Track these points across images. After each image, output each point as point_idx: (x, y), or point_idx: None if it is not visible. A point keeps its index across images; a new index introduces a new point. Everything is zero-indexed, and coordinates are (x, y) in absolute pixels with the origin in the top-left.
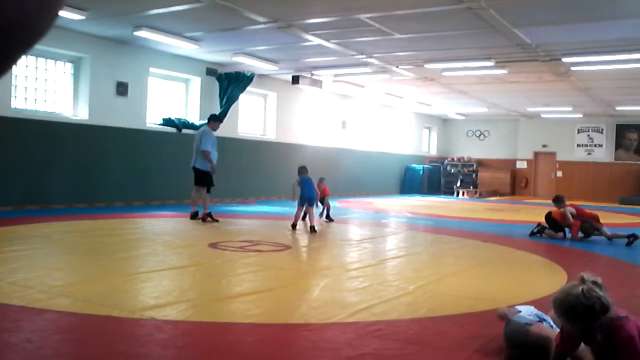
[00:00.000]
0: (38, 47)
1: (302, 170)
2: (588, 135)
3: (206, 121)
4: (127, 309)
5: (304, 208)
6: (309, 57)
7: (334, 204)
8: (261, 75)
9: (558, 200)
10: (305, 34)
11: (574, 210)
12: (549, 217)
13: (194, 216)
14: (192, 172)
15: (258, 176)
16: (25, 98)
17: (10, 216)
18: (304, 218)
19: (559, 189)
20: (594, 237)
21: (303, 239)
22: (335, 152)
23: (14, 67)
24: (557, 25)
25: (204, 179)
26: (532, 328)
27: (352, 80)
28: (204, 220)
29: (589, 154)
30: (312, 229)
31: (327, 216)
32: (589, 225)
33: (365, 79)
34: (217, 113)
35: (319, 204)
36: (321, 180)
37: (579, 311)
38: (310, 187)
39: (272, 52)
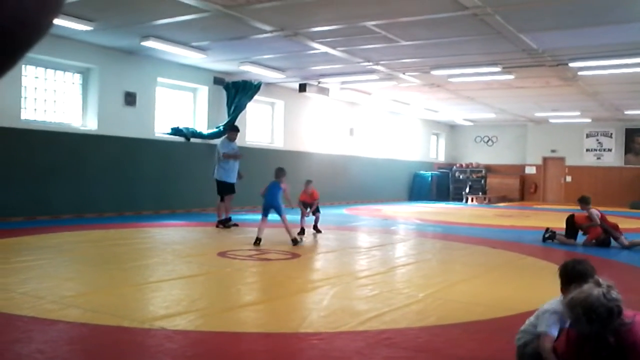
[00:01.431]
0: (47, 58)
1: (276, 173)
2: (597, 140)
3: (214, 130)
4: (137, 319)
5: (279, 217)
6: (316, 65)
7: (341, 211)
8: (268, 84)
9: (584, 201)
10: (312, 42)
11: (598, 214)
12: (570, 219)
13: (228, 221)
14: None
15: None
16: (35, 109)
17: (20, 227)
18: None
19: (568, 194)
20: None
21: (311, 247)
22: (343, 159)
23: (21, 73)
24: (563, 30)
25: (221, 189)
26: (527, 350)
27: (359, 87)
28: (217, 226)
29: (598, 158)
30: (295, 241)
31: (315, 226)
32: (605, 237)
33: (372, 86)
34: (229, 122)
35: (308, 210)
36: (308, 183)
37: (600, 312)
38: (272, 194)
39: (278, 60)
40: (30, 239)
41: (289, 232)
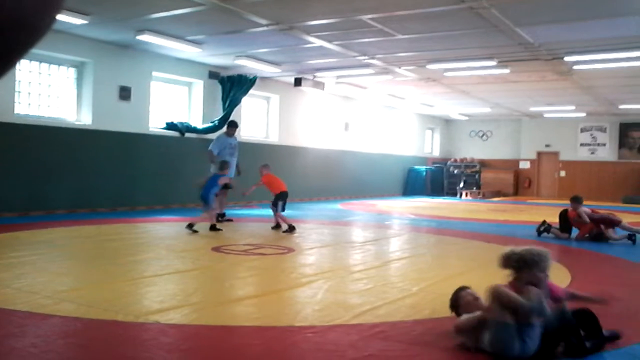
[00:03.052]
0: (41, 52)
1: (220, 164)
2: (591, 135)
3: (209, 124)
4: (131, 313)
5: (213, 207)
6: (311, 59)
7: (336, 205)
8: (263, 78)
9: (576, 201)
10: (307, 36)
11: (589, 211)
12: (564, 214)
13: (222, 217)
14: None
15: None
16: (29, 103)
17: (14, 222)
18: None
19: (562, 189)
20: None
21: (305, 242)
22: (338, 154)
23: (15, 68)
24: (559, 23)
25: None
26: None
27: (354, 81)
28: (218, 220)
29: (592, 153)
30: (212, 227)
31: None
32: (598, 232)
33: (368, 81)
34: (224, 117)
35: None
36: (261, 168)
37: (532, 258)
38: (207, 186)
39: (274, 54)
40: (24, 234)
41: (211, 219)
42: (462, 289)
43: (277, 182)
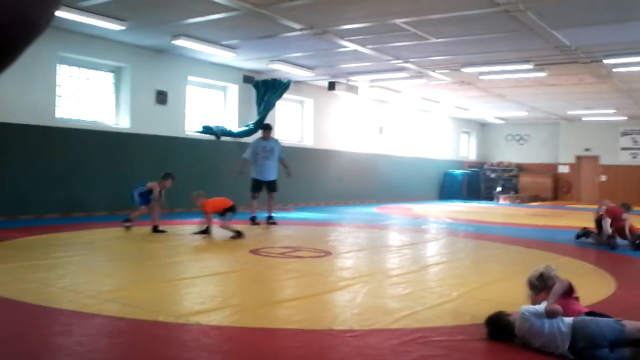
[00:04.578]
0: (80, 57)
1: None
2: (633, 139)
3: (244, 128)
4: (173, 314)
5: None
6: (345, 63)
7: (371, 209)
8: (297, 82)
9: (623, 207)
10: (341, 40)
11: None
12: (600, 219)
13: (269, 219)
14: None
15: (296, 183)
16: (69, 107)
17: (56, 223)
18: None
19: (603, 194)
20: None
21: (342, 245)
22: (373, 158)
23: (56, 73)
24: (598, 26)
25: (251, 186)
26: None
27: (388, 85)
28: (253, 223)
29: (634, 157)
30: (154, 228)
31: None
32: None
33: (402, 84)
34: (259, 121)
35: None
36: (198, 197)
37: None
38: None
39: (308, 58)
40: (66, 235)
41: (153, 220)
42: (503, 314)
43: (218, 201)
